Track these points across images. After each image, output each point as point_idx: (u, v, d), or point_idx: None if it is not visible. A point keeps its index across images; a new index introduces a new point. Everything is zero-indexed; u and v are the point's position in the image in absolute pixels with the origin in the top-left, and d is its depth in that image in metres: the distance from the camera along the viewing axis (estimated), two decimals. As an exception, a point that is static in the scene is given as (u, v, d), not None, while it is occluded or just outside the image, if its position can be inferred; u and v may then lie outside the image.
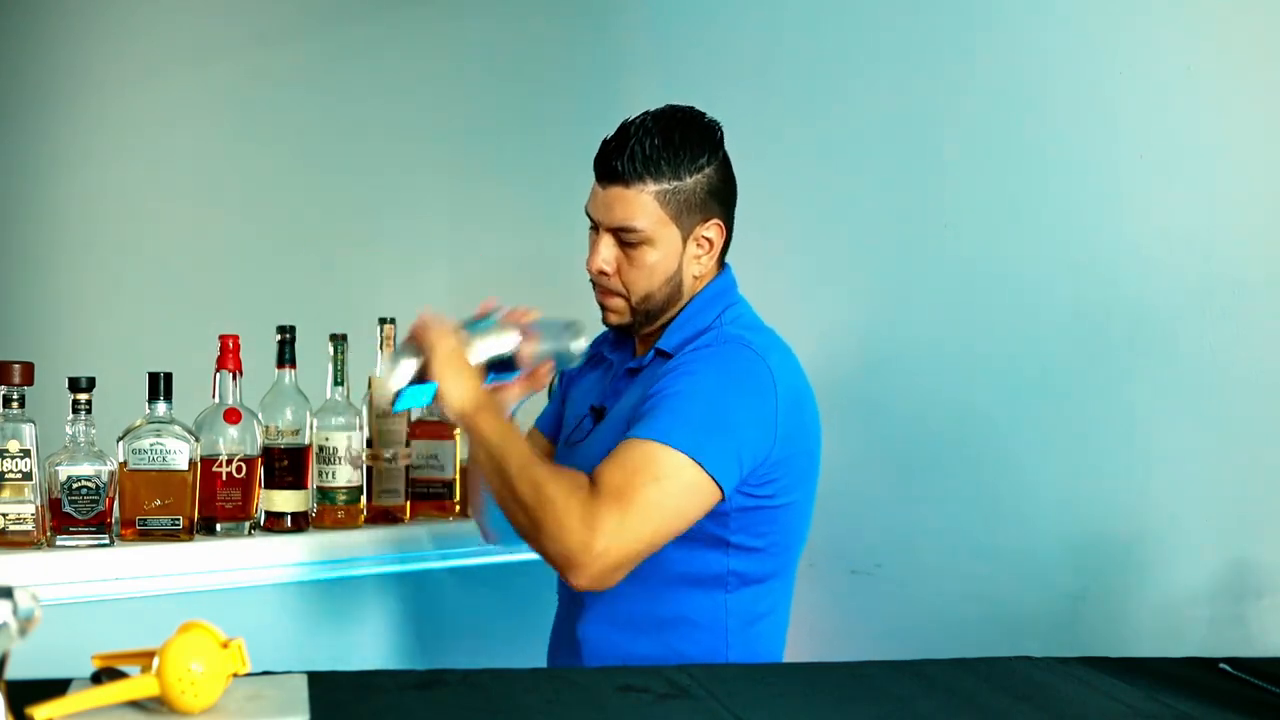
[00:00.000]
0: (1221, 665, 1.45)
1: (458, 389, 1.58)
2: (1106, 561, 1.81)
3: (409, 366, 1.60)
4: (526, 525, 1.54)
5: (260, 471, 1.92)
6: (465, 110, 3.13)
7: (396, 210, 3.31)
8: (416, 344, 1.60)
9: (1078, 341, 1.87)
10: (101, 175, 4.43)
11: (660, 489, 1.53)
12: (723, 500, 1.59)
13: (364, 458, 2.02)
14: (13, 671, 1.01)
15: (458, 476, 2.12)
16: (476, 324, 1.68)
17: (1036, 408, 1.92)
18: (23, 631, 0.96)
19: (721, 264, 1.76)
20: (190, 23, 4.06)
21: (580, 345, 1.71)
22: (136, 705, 1.10)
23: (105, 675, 1.15)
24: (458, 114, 3.16)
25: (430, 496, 2.11)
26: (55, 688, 1.10)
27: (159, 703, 1.09)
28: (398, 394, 1.62)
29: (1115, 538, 1.80)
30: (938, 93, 2.09)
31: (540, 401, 1.95)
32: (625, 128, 1.67)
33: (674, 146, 1.65)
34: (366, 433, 2.04)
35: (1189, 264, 1.74)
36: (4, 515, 1.69)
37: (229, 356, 1.89)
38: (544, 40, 2.94)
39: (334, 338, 2.01)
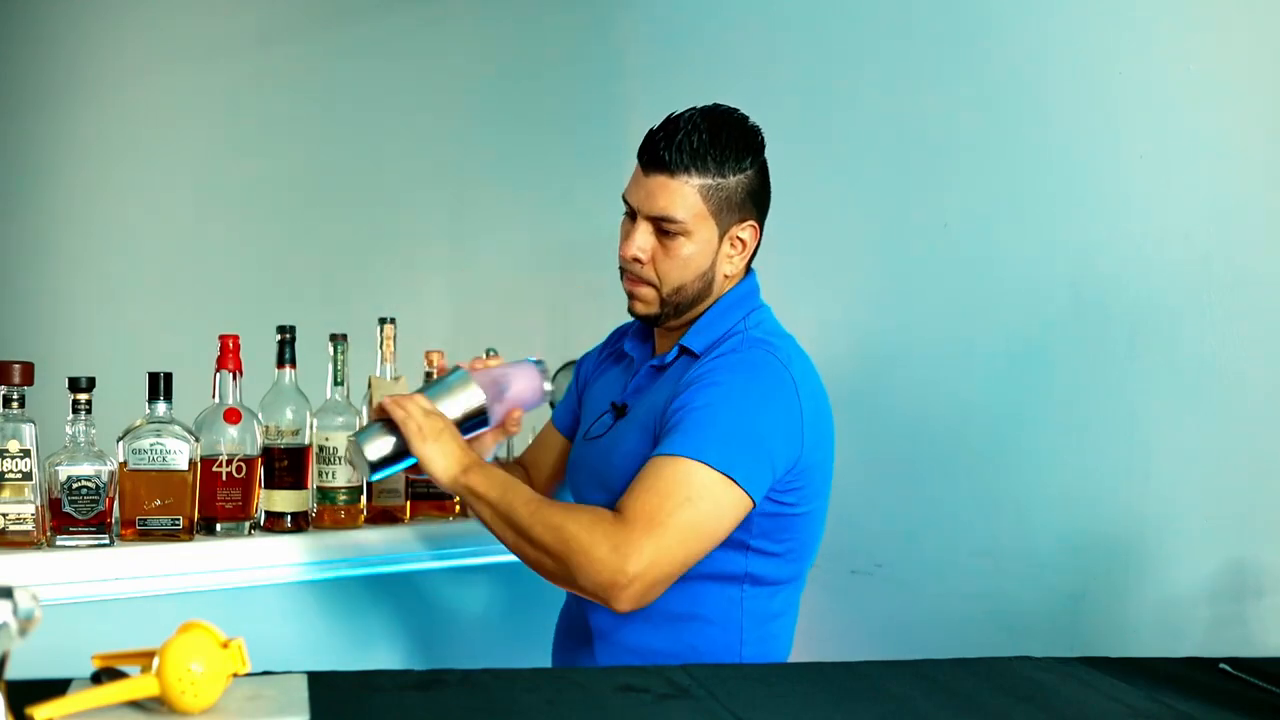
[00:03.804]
0: (1221, 665, 1.45)
1: (440, 457, 1.60)
2: (1106, 561, 1.81)
3: (385, 443, 1.62)
4: (554, 568, 1.54)
5: (260, 471, 1.92)
6: (465, 110, 3.14)
7: (396, 210, 3.31)
8: (385, 421, 1.63)
9: (1078, 341, 1.87)
10: (101, 175, 4.44)
11: (695, 509, 1.52)
12: (754, 508, 1.59)
13: (364, 458, 2.02)
14: (13, 671, 1.01)
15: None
16: (435, 386, 1.69)
17: (1036, 407, 1.92)
18: (23, 631, 0.96)
19: (748, 268, 1.76)
20: (190, 22, 4.06)
21: (548, 385, 1.73)
22: (136, 705, 1.10)
23: (105, 675, 1.15)
24: (458, 114, 3.16)
25: (430, 496, 2.11)
26: (55, 688, 1.10)
27: (159, 703, 1.09)
28: (373, 468, 1.64)
29: (1115, 538, 1.80)
30: (938, 93, 2.09)
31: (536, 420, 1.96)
32: (674, 120, 1.68)
33: (721, 144, 1.65)
34: (366, 433, 2.04)
35: (1189, 264, 1.74)
36: (4, 515, 1.69)
37: (229, 356, 1.89)
38: (544, 40, 2.94)
39: (334, 338, 2.01)
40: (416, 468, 1.64)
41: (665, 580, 1.53)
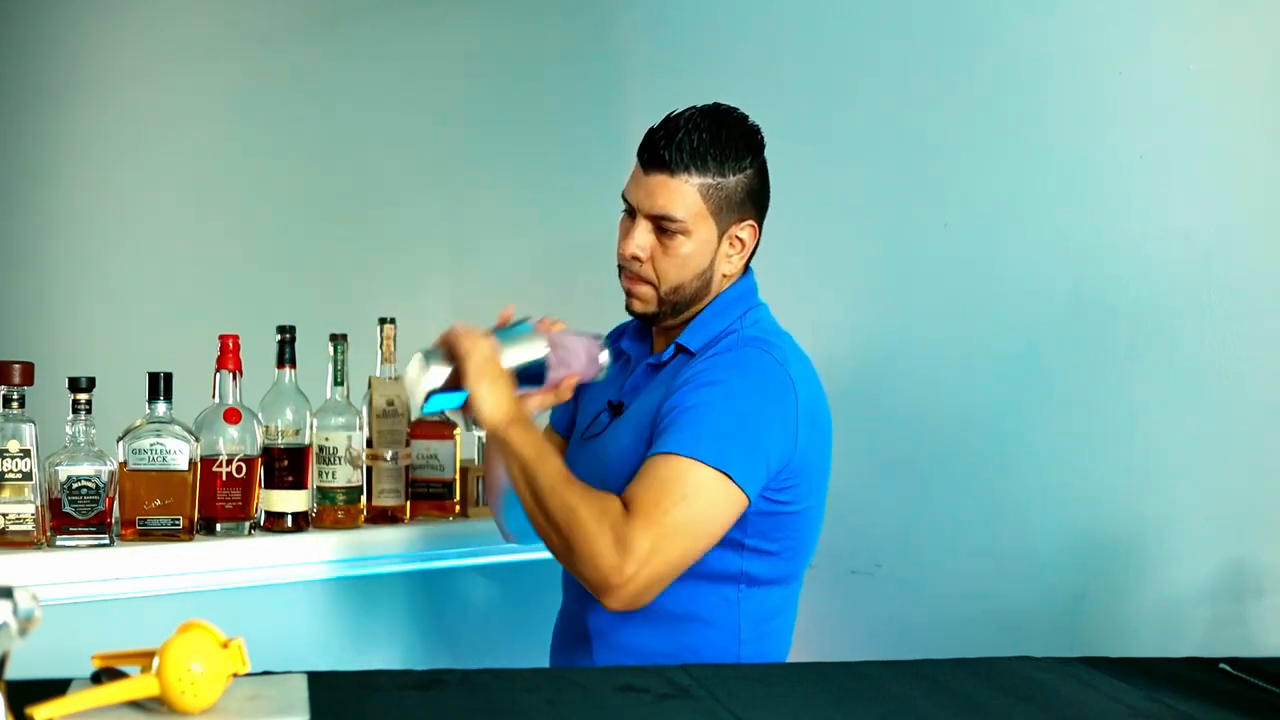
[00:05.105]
0: (1221, 665, 1.45)
1: (491, 400, 1.58)
2: (1106, 561, 1.81)
3: (440, 373, 1.59)
4: (559, 546, 1.55)
5: (260, 471, 1.92)
6: (465, 110, 3.13)
7: (397, 210, 3.31)
8: (448, 350, 1.60)
9: (1078, 341, 1.87)
10: (101, 175, 4.43)
11: (690, 507, 1.53)
12: (749, 506, 1.59)
13: (364, 458, 2.02)
14: (13, 671, 1.01)
15: (457, 476, 2.12)
16: (507, 331, 1.66)
17: (1037, 408, 1.92)
18: (23, 631, 0.96)
19: (746, 267, 1.77)
20: (190, 22, 4.06)
21: (605, 359, 1.71)
22: (136, 705, 1.10)
23: (105, 675, 1.15)
24: (458, 113, 3.15)
25: (430, 496, 2.11)
26: (55, 688, 1.10)
27: (159, 703, 1.09)
28: (428, 397, 1.60)
29: (1115, 538, 1.80)
30: (938, 92, 2.09)
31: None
32: (674, 119, 1.68)
33: (721, 144, 1.66)
34: (366, 433, 2.04)
35: (1189, 264, 1.74)
36: (4, 515, 1.69)
37: (229, 356, 1.90)
38: (544, 40, 2.94)
39: (334, 338, 2.01)
40: (464, 406, 1.61)
41: (660, 580, 1.53)
